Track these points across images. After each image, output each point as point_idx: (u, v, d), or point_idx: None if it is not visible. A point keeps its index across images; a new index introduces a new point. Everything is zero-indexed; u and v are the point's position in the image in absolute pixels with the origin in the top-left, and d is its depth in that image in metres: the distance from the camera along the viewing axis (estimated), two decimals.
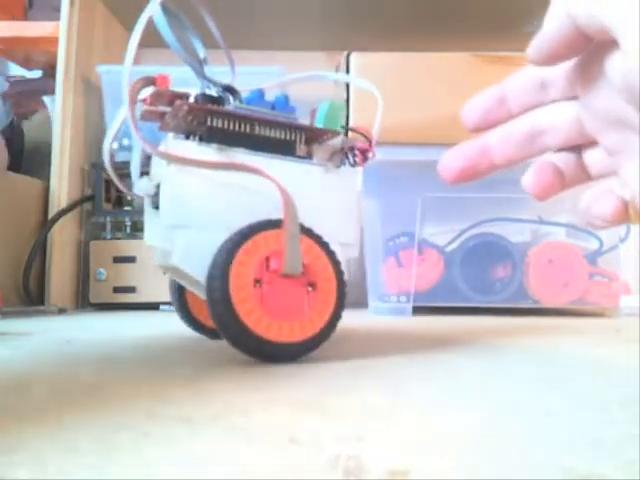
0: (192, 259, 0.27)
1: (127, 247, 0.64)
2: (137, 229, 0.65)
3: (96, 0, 0.72)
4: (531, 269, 0.60)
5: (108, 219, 0.65)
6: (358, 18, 0.78)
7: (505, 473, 0.13)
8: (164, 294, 0.64)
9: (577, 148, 0.29)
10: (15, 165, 0.79)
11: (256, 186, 0.28)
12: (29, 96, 0.92)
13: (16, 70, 0.97)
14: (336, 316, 0.28)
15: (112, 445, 0.15)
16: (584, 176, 0.30)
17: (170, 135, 0.28)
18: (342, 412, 0.19)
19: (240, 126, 0.29)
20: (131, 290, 0.64)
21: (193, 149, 0.28)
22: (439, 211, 0.64)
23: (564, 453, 0.15)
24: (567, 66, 0.27)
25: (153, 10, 0.27)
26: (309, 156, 0.31)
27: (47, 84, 0.87)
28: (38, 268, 0.64)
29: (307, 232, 0.28)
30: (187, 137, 0.29)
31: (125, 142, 0.66)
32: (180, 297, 0.35)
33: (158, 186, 0.29)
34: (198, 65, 0.29)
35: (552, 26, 0.25)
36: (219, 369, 0.28)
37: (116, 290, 0.64)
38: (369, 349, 0.29)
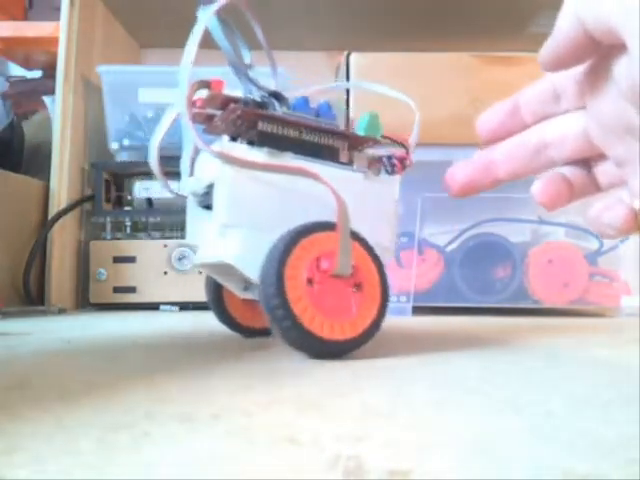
0: (245, 258, 0.28)
1: (127, 247, 0.64)
2: (137, 229, 0.66)
3: (96, 0, 0.72)
4: (531, 269, 0.60)
5: (108, 219, 0.65)
6: (358, 18, 0.78)
7: (505, 473, 0.13)
8: (164, 294, 0.65)
9: (586, 161, 0.29)
10: (15, 165, 0.79)
11: (306, 189, 0.29)
12: (29, 96, 0.92)
13: (16, 70, 0.97)
14: (381, 315, 0.29)
15: (112, 445, 0.15)
16: (593, 188, 0.30)
17: (225, 137, 0.29)
18: (342, 412, 0.19)
19: (289, 131, 0.30)
20: (131, 290, 0.64)
21: (246, 152, 0.29)
22: (439, 211, 0.64)
23: (564, 453, 0.15)
24: (577, 75, 0.27)
25: (208, 18, 0.28)
26: (350, 163, 0.32)
27: (47, 84, 0.87)
28: (38, 268, 0.64)
29: (354, 235, 0.29)
30: (234, 140, 0.30)
31: (125, 142, 0.66)
32: (217, 296, 0.36)
33: (209, 186, 0.30)
34: (245, 70, 0.30)
35: (561, 29, 0.25)
36: (219, 369, 0.28)
37: (116, 290, 0.64)
38: (369, 349, 0.29)
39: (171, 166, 0.33)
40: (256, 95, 0.30)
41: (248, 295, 0.34)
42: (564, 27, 0.24)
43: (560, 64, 0.26)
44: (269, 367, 0.27)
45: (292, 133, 0.30)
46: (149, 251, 0.64)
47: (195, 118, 0.30)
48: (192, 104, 0.29)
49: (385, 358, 0.29)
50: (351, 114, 0.57)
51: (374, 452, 0.15)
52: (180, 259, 0.64)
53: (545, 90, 0.29)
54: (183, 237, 0.65)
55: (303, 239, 0.28)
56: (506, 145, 0.30)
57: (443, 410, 0.19)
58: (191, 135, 0.28)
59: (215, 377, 0.25)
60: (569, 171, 0.30)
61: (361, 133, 0.32)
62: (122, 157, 0.69)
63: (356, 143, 0.32)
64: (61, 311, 0.61)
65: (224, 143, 0.29)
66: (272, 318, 0.27)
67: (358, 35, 0.82)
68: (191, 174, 0.32)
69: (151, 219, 0.65)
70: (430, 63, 0.60)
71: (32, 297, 0.62)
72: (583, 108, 0.27)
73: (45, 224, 0.64)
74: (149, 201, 0.66)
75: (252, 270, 0.28)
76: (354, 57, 0.60)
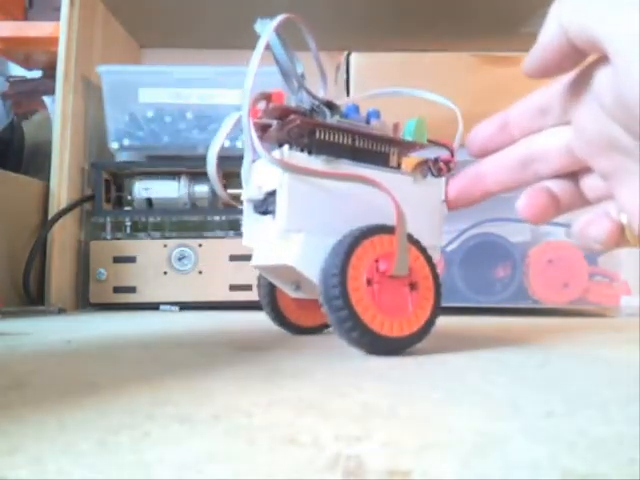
0: (306, 260, 0.30)
1: (127, 247, 0.64)
2: (137, 229, 0.66)
3: (96, 0, 0.72)
4: (531, 269, 0.60)
5: (108, 219, 0.65)
6: (358, 18, 0.78)
7: (505, 473, 0.13)
8: (164, 294, 0.65)
9: (573, 174, 0.29)
10: (15, 165, 0.79)
11: (361, 194, 0.31)
12: (29, 96, 0.92)
13: (16, 70, 0.97)
14: (435, 312, 0.30)
15: (112, 445, 0.15)
16: (581, 201, 0.30)
17: (285, 146, 0.30)
18: (342, 412, 0.19)
19: (343, 138, 0.32)
20: (131, 290, 0.64)
21: (305, 160, 0.30)
22: None
23: (564, 453, 0.15)
24: (561, 89, 0.27)
25: (270, 34, 0.30)
26: (399, 167, 0.34)
27: (47, 84, 0.87)
28: (38, 268, 0.64)
29: (409, 237, 0.30)
30: (290, 149, 0.31)
31: (125, 142, 0.66)
32: (271, 296, 0.38)
33: (269, 193, 0.31)
34: (300, 79, 0.32)
35: (545, 37, 0.25)
36: (219, 369, 0.28)
37: (116, 290, 0.64)
38: None
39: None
40: (307, 104, 0.31)
41: (299, 294, 0.35)
42: (548, 35, 0.24)
43: (544, 72, 0.26)
44: (269, 367, 0.27)
45: (346, 140, 0.32)
46: (149, 251, 0.64)
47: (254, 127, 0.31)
48: (253, 114, 0.30)
49: (385, 358, 0.29)
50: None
51: (374, 452, 0.15)
52: (180, 259, 0.64)
53: (532, 105, 0.29)
54: (183, 237, 0.65)
55: (363, 241, 0.29)
56: (494, 159, 0.31)
57: (443, 410, 0.19)
58: (252, 144, 0.30)
59: (215, 377, 0.25)
60: (556, 184, 0.30)
61: (409, 138, 0.33)
62: (122, 157, 0.69)
63: (404, 148, 0.34)
64: (61, 311, 0.61)
65: (285, 152, 0.30)
66: (335, 317, 0.28)
67: (358, 35, 0.82)
68: (249, 181, 0.33)
69: (151, 219, 0.65)
70: (430, 63, 0.60)
71: (32, 297, 0.62)
72: (569, 123, 0.27)
73: (45, 224, 0.64)
74: (149, 201, 0.66)
75: (312, 272, 0.29)
76: (354, 57, 0.60)
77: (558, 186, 0.30)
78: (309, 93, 0.31)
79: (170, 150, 0.67)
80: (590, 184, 0.29)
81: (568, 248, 0.60)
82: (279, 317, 0.39)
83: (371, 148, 0.33)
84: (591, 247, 0.28)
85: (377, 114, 0.33)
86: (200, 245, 0.65)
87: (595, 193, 0.29)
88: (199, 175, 0.66)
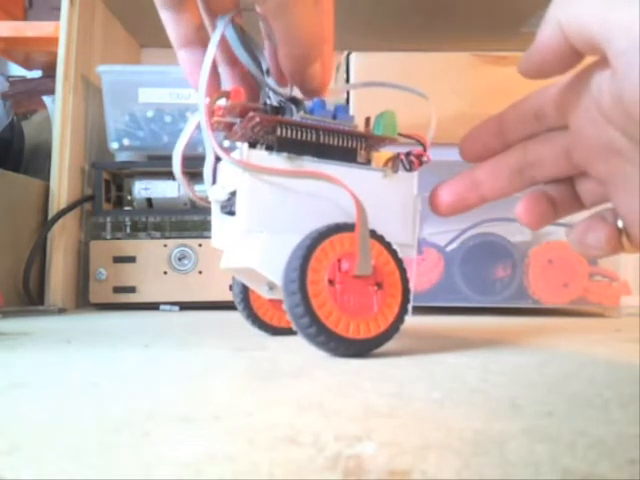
0: (267, 262, 0.29)
1: (127, 247, 0.64)
2: (137, 229, 0.66)
3: (96, 0, 0.72)
4: (531, 269, 0.60)
5: (108, 219, 0.65)
6: (358, 18, 0.78)
7: (505, 473, 0.13)
8: (164, 294, 0.65)
9: (570, 179, 0.29)
10: (15, 165, 0.79)
11: (324, 191, 0.30)
12: (29, 96, 0.92)
13: (16, 70, 0.97)
14: (403, 312, 0.30)
15: (112, 445, 0.15)
16: (578, 205, 0.29)
17: (245, 145, 0.30)
18: (342, 412, 0.19)
19: (307, 135, 0.31)
20: (131, 290, 0.64)
21: (265, 158, 0.29)
22: None
23: (564, 453, 0.15)
24: (558, 93, 0.27)
25: (225, 27, 0.29)
26: (368, 162, 0.33)
27: (47, 84, 0.87)
28: (38, 268, 0.64)
29: (373, 234, 0.29)
30: (253, 146, 0.30)
31: (125, 142, 0.66)
32: (244, 297, 0.38)
33: (231, 193, 0.31)
34: (262, 76, 0.31)
35: (542, 37, 0.24)
36: (219, 369, 0.28)
37: (116, 290, 0.64)
38: None
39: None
40: (273, 100, 0.31)
41: (273, 295, 0.35)
42: (545, 35, 0.24)
43: (539, 72, 0.25)
44: (269, 367, 0.27)
45: (310, 137, 0.31)
46: (149, 251, 0.64)
47: (216, 126, 0.31)
48: (212, 113, 0.30)
49: (385, 358, 0.29)
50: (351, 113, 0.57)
51: (374, 452, 0.15)
52: (180, 259, 0.64)
53: (527, 109, 0.29)
54: (183, 237, 0.65)
55: (323, 242, 0.28)
56: (489, 165, 0.30)
57: (443, 410, 0.19)
58: (211, 144, 0.29)
59: (215, 377, 0.25)
60: (553, 189, 0.29)
61: (378, 131, 0.32)
62: (122, 157, 0.69)
63: (373, 143, 0.33)
64: (61, 311, 0.61)
65: (244, 150, 0.30)
66: (298, 325, 0.28)
67: (358, 35, 0.82)
68: (214, 182, 0.33)
69: (151, 219, 0.65)
70: (430, 63, 0.60)
71: (32, 297, 0.62)
72: (565, 127, 0.27)
73: (45, 224, 0.64)
74: (149, 201, 0.66)
75: (275, 273, 0.29)
76: (354, 57, 0.60)
77: (555, 190, 0.29)
78: (272, 89, 0.31)
79: (170, 150, 0.66)
80: (586, 188, 0.28)
81: (568, 248, 0.60)
82: (252, 317, 0.38)
83: (337, 144, 0.32)
84: (590, 253, 0.27)
85: (345, 109, 0.32)
86: (200, 245, 0.65)
87: (591, 197, 0.28)
88: (199, 175, 0.65)
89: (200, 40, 0.30)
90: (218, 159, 0.32)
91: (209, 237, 0.67)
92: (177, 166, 0.32)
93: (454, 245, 0.63)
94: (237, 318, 0.55)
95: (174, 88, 0.66)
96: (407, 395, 0.21)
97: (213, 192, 0.32)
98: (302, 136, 0.31)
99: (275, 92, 0.31)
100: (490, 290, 0.61)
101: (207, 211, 0.65)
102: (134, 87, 0.66)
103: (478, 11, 0.75)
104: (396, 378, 0.24)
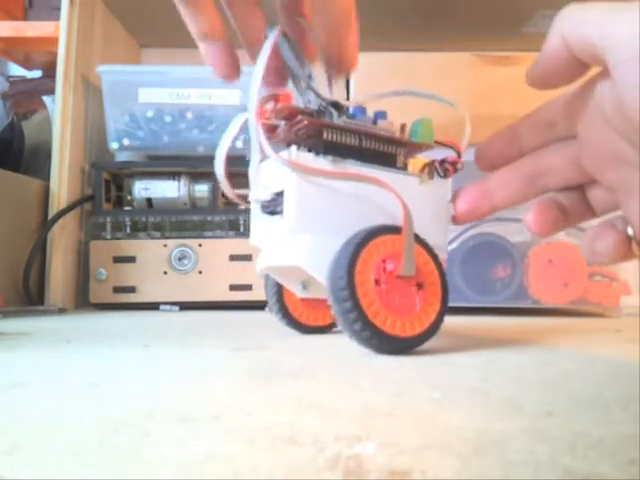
0: (313, 260, 0.30)
1: (127, 247, 0.64)
2: (137, 229, 0.66)
3: (96, 0, 0.72)
4: (531, 269, 0.60)
5: (108, 219, 0.65)
6: (358, 18, 0.78)
7: (505, 473, 0.13)
8: (164, 294, 0.65)
9: (580, 186, 0.29)
10: (15, 165, 0.79)
11: (368, 194, 0.31)
12: (29, 96, 0.92)
13: (16, 70, 0.97)
14: (442, 312, 0.30)
15: (112, 445, 0.15)
16: (589, 213, 0.30)
17: (293, 147, 0.30)
18: (342, 412, 0.19)
19: (350, 139, 0.32)
20: (131, 290, 0.64)
21: (312, 160, 0.30)
22: None
23: (564, 453, 0.15)
24: (567, 102, 0.27)
25: (277, 36, 0.30)
26: (405, 167, 0.34)
27: (47, 84, 0.87)
28: (38, 268, 0.64)
29: (415, 237, 0.30)
30: (297, 149, 0.31)
31: (125, 142, 0.66)
32: (278, 296, 0.38)
33: (276, 194, 0.31)
34: (309, 80, 0.32)
35: (547, 48, 0.25)
36: (219, 369, 0.28)
37: (116, 290, 0.64)
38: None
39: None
40: (314, 104, 0.31)
41: (307, 294, 0.36)
42: (550, 46, 0.24)
43: (546, 82, 0.26)
44: (269, 367, 0.27)
45: (353, 141, 0.32)
46: (149, 251, 0.64)
47: (262, 128, 0.31)
48: (261, 115, 0.30)
49: (385, 358, 0.29)
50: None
51: (374, 452, 0.15)
52: (180, 259, 0.64)
53: (539, 119, 0.29)
54: (183, 237, 0.65)
55: (370, 242, 0.29)
56: (501, 174, 0.31)
57: (443, 410, 0.19)
58: (260, 145, 0.30)
59: (215, 377, 0.25)
60: (564, 197, 0.30)
61: (415, 139, 0.33)
62: (122, 157, 0.69)
63: (411, 149, 0.34)
64: (61, 311, 0.61)
65: (292, 152, 0.30)
66: (344, 320, 0.28)
67: (358, 35, 0.82)
68: (257, 182, 0.33)
69: (151, 219, 0.65)
70: (430, 63, 0.60)
71: (32, 297, 0.62)
72: (575, 136, 0.27)
73: (45, 224, 0.64)
74: (149, 201, 0.66)
75: (320, 272, 0.29)
76: None
77: (566, 198, 0.30)
78: (316, 94, 0.31)
79: (170, 150, 0.67)
80: (597, 196, 0.29)
81: (568, 248, 0.60)
82: (287, 317, 0.39)
83: (378, 149, 0.33)
84: (599, 261, 0.28)
85: (384, 115, 0.33)
86: (200, 245, 0.65)
87: (602, 205, 0.29)
88: (199, 175, 0.66)
89: (220, 31, 0.31)
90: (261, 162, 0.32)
91: (209, 237, 0.68)
92: (220, 167, 0.32)
93: (454, 245, 0.63)
94: (237, 318, 0.55)
95: (174, 88, 0.66)
96: (407, 395, 0.21)
97: (256, 192, 0.33)
98: (346, 140, 0.32)
99: (318, 96, 0.31)
100: (490, 290, 0.61)
101: (207, 211, 0.65)
102: (134, 87, 0.66)
103: (478, 11, 0.75)
104: (396, 378, 0.24)
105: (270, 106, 0.31)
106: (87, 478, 0.13)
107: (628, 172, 0.25)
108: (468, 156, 0.33)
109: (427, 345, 0.30)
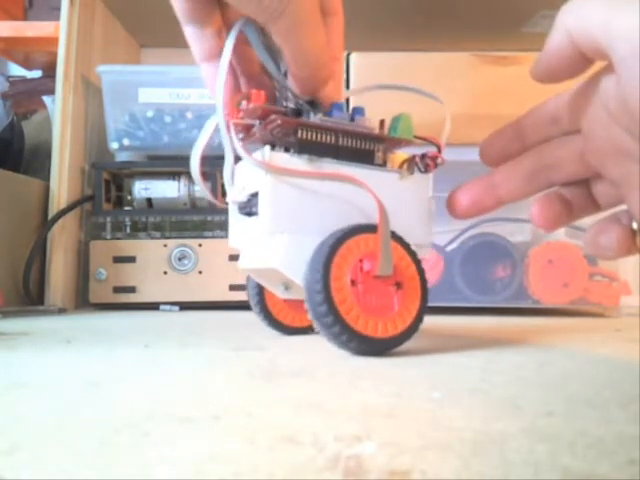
0: (289, 262, 0.29)
1: (127, 247, 0.64)
2: (137, 229, 0.66)
3: (96, 0, 0.72)
4: (531, 269, 0.60)
5: (108, 219, 0.65)
6: (358, 18, 0.78)
7: (505, 473, 0.13)
8: (164, 294, 0.65)
9: (585, 181, 0.29)
10: (15, 165, 0.79)
11: (344, 193, 0.30)
12: (29, 96, 0.92)
13: (16, 70, 0.97)
14: (422, 311, 0.30)
15: (112, 445, 0.15)
16: (593, 207, 0.30)
17: (266, 147, 0.30)
18: (342, 412, 0.19)
19: (326, 137, 0.31)
20: (131, 290, 0.64)
21: (287, 160, 0.30)
22: (439, 211, 0.64)
23: (564, 453, 0.15)
24: (571, 97, 0.27)
25: (243, 26, 0.29)
26: (384, 164, 0.33)
27: (47, 84, 0.87)
28: (38, 268, 0.64)
29: (393, 235, 0.30)
30: (272, 148, 0.30)
31: (125, 142, 0.66)
32: (260, 298, 0.38)
33: (252, 194, 0.31)
34: (282, 78, 0.31)
35: (551, 42, 0.25)
36: (219, 369, 0.28)
37: (116, 290, 0.64)
38: None
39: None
40: (291, 103, 0.31)
41: (288, 295, 0.35)
42: (555, 40, 0.24)
43: (550, 77, 0.26)
44: (269, 367, 0.27)
45: (329, 139, 0.31)
46: (149, 251, 0.64)
47: (235, 128, 0.31)
48: (233, 115, 0.30)
49: (385, 358, 0.29)
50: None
51: (374, 452, 0.15)
52: (180, 259, 0.64)
53: (544, 113, 0.29)
54: (183, 237, 0.65)
55: (346, 242, 0.29)
56: (506, 168, 0.31)
57: (443, 410, 0.19)
58: (232, 145, 0.29)
59: (215, 377, 0.25)
60: (568, 191, 0.30)
61: (394, 133, 0.33)
62: (122, 157, 0.69)
63: (390, 145, 0.33)
64: (61, 311, 0.61)
65: (266, 152, 0.30)
66: (320, 323, 0.28)
67: (358, 35, 0.82)
68: (232, 183, 0.33)
69: (151, 219, 0.65)
70: (430, 63, 0.60)
71: (32, 297, 0.62)
72: (579, 131, 0.27)
73: (45, 224, 0.64)
74: (149, 201, 0.66)
75: (296, 273, 0.29)
76: (354, 57, 0.60)
77: (570, 192, 0.30)
78: (291, 92, 0.31)
79: (170, 150, 0.67)
80: (601, 190, 0.29)
81: (568, 248, 0.60)
82: (268, 317, 0.38)
83: (355, 146, 0.32)
84: (603, 255, 0.28)
85: (362, 111, 0.32)
86: (200, 245, 0.65)
87: (607, 199, 0.29)
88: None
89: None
90: (237, 160, 0.32)
91: (209, 237, 0.67)
92: (195, 167, 0.32)
93: (454, 245, 0.63)
94: (237, 318, 0.55)
95: (174, 88, 0.66)
96: (407, 395, 0.21)
97: (232, 193, 0.33)
98: (322, 138, 0.31)
99: (294, 94, 0.31)
100: (490, 290, 0.61)
101: (207, 211, 0.65)
102: (134, 87, 0.66)
103: (478, 11, 0.75)
104: (396, 378, 0.24)
105: (243, 105, 0.30)
106: (87, 478, 0.13)
107: (632, 166, 0.25)
108: (472, 157, 0.33)
109: (427, 345, 0.30)
